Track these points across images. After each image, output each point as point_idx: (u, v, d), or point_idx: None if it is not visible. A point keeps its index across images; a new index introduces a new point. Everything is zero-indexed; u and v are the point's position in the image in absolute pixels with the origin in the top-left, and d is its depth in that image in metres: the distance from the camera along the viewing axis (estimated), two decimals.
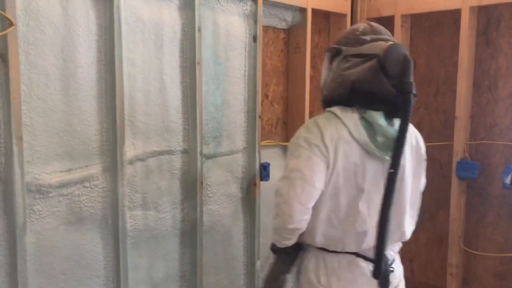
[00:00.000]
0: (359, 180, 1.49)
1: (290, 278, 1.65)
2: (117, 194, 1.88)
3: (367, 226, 1.51)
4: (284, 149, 2.74)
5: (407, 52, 1.51)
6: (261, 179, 2.45)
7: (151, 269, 2.07)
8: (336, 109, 1.52)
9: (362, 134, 1.48)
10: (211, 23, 2.20)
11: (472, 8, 2.51)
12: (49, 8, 1.67)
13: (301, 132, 1.54)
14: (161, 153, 2.06)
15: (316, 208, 1.50)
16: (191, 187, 2.17)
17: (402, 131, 1.43)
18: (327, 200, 1.50)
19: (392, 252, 1.63)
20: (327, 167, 1.46)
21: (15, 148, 1.58)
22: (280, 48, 2.67)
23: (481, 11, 2.57)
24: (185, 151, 2.14)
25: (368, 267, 1.55)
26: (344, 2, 2.84)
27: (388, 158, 1.48)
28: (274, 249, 1.66)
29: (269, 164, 2.47)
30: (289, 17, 2.60)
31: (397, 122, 1.50)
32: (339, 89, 1.52)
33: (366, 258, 1.55)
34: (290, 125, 2.74)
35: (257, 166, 2.43)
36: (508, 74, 2.54)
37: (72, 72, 1.74)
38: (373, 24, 1.60)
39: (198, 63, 2.10)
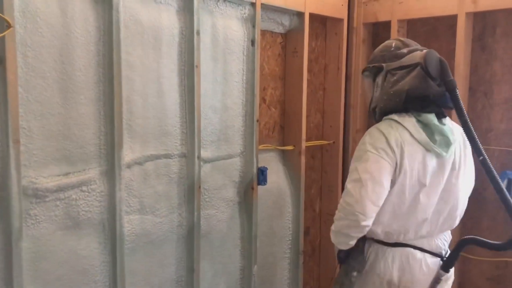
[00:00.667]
0: (421, 176, 1.70)
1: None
2: (114, 198, 1.86)
3: (427, 214, 1.74)
4: (282, 153, 2.74)
5: (440, 56, 1.75)
6: (259, 184, 2.44)
7: (148, 274, 2.05)
8: (394, 116, 1.73)
9: (422, 134, 1.69)
10: (210, 26, 2.19)
11: (468, 14, 2.53)
12: (48, 10, 1.65)
13: (366, 139, 1.72)
14: (158, 157, 2.04)
15: (383, 205, 1.68)
16: (189, 192, 2.15)
17: (464, 121, 1.65)
18: (393, 196, 1.69)
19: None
20: (394, 168, 1.67)
21: (12, 152, 1.56)
22: (278, 52, 2.66)
23: (477, 17, 2.59)
24: (183, 155, 2.13)
25: (424, 257, 1.78)
26: (341, 7, 2.84)
27: (445, 154, 1.71)
28: (340, 256, 1.83)
29: (266, 168, 2.46)
30: (286, 21, 2.60)
31: (446, 121, 1.78)
32: (395, 99, 1.73)
33: (420, 249, 1.78)
34: (287, 129, 2.74)
35: (255, 170, 2.42)
36: (504, 80, 2.56)
37: (70, 75, 1.72)
38: (402, 39, 1.87)
39: (197, 66, 2.09)
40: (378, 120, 1.82)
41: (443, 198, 1.78)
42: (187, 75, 2.10)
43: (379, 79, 1.80)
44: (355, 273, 1.80)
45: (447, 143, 1.72)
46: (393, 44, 1.83)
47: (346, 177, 3.03)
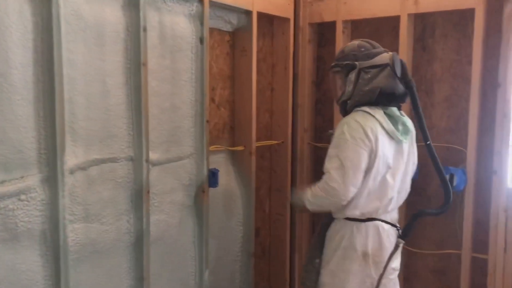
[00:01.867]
0: (389, 160, 1.97)
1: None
2: (57, 206, 1.72)
3: (393, 193, 2.03)
4: (232, 154, 2.69)
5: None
6: (210, 186, 2.38)
7: (95, 286, 1.93)
8: (366, 108, 1.98)
9: (389, 124, 1.96)
10: (157, 23, 2.10)
11: (410, 15, 2.60)
12: None
13: (344, 129, 1.94)
14: (104, 161, 1.92)
15: (360, 189, 1.95)
16: (137, 197, 2.04)
17: (420, 115, 1.95)
18: (370, 180, 1.95)
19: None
20: (370, 155, 1.92)
21: None
22: (226, 51, 2.61)
23: (417, 19, 2.68)
24: (130, 159, 2.02)
25: (389, 228, 2.05)
26: (287, 6, 2.84)
27: (405, 140, 2.03)
28: (298, 204, 2.15)
29: (217, 170, 2.40)
30: (234, 19, 2.55)
31: (403, 113, 2.09)
32: (369, 95, 1.98)
33: (385, 222, 2.05)
34: (237, 129, 2.69)
35: (205, 172, 2.35)
36: (443, 79, 2.67)
37: (5, 74, 1.57)
38: (369, 40, 2.11)
39: (144, 64, 1.99)
40: (349, 111, 2.05)
41: (402, 180, 2.08)
42: (134, 73, 1.99)
43: (352, 76, 2.02)
44: (317, 260, 2.11)
45: (406, 132, 2.05)
46: (362, 45, 2.07)
47: (295, 177, 3.04)
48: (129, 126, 2.01)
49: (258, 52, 2.81)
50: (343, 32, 2.85)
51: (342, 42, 2.84)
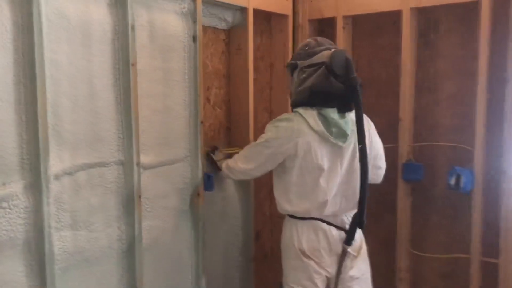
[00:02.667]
0: (320, 161, 1.94)
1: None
2: (42, 214, 1.65)
3: (327, 197, 1.98)
4: (228, 156, 2.59)
5: (347, 54, 1.94)
6: (205, 189, 2.29)
7: None
8: (299, 109, 1.98)
9: (320, 126, 1.92)
10: (146, 21, 2.02)
11: (412, 10, 2.51)
12: None
13: (267, 126, 2.05)
14: (92, 165, 1.84)
15: (287, 185, 2.02)
16: (128, 202, 1.96)
17: (359, 116, 1.85)
18: (294, 178, 1.99)
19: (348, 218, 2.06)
20: (286, 154, 1.97)
21: None
22: (221, 49, 2.53)
23: (420, 13, 2.58)
24: (120, 163, 1.94)
25: (329, 229, 2.02)
26: (286, 2, 2.75)
27: (341, 144, 1.95)
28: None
29: (213, 173, 2.32)
30: (229, 17, 2.47)
31: (348, 115, 1.96)
32: (302, 95, 1.96)
33: (327, 223, 2.02)
34: (234, 130, 2.61)
35: (200, 175, 2.26)
36: (447, 75, 2.56)
37: None
38: (318, 38, 2.08)
39: (133, 64, 1.91)
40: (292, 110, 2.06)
41: (345, 182, 2.01)
42: (123, 74, 1.91)
43: (295, 75, 2.02)
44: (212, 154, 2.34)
45: (343, 134, 1.95)
46: (308, 43, 2.05)
47: None
48: (119, 129, 1.93)
49: (255, 50, 2.72)
50: (344, 28, 2.76)
51: (342, 39, 2.75)
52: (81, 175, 1.81)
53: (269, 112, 2.88)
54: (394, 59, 2.66)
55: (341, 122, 1.95)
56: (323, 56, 1.92)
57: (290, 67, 2.05)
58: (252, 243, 2.65)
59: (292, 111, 2.03)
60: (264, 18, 2.78)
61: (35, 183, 1.64)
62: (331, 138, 1.93)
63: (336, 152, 1.97)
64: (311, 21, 2.89)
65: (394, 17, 2.63)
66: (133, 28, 1.90)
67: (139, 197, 1.98)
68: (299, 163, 1.95)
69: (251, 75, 2.52)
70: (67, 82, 1.73)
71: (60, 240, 1.74)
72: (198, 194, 2.26)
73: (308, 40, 2.08)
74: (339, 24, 2.74)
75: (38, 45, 1.60)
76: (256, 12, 2.59)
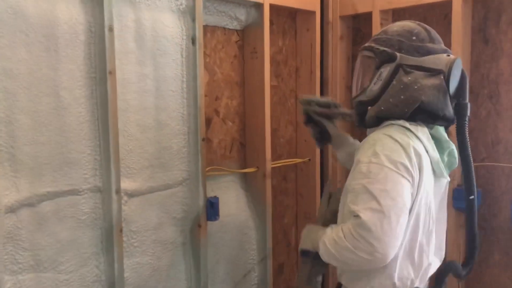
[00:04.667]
0: (433, 208, 1.38)
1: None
2: None
3: (431, 258, 1.42)
4: (243, 177, 2.23)
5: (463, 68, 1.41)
6: (208, 219, 1.94)
7: None
8: (403, 122, 1.35)
9: (435, 152, 1.37)
10: (132, 21, 1.70)
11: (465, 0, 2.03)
12: None
13: (377, 149, 1.30)
14: (59, 194, 1.54)
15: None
16: (107, 236, 1.65)
17: (465, 153, 1.39)
18: (407, 232, 1.32)
19: None
20: (411, 190, 1.30)
21: None
22: (233, 53, 2.17)
23: (477, 3, 2.09)
24: (96, 190, 1.63)
25: None
26: None
27: (449, 179, 1.44)
28: (307, 253, 1.47)
29: (217, 199, 1.96)
30: (242, 15, 2.11)
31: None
32: (402, 107, 1.35)
33: None
34: (249, 147, 2.24)
35: (202, 202, 1.91)
36: None
37: None
38: (428, 28, 1.42)
39: (110, 72, 1.59)
40: (371, 124, 1.41)
41: (441, 233, 1.51)
42: (99, 84, 1.60)
43: (386, 71, 1.38)
44: (320, 278, 1.54)
45: (450, 165, 1.46)
46: (415, 31, 1.39)
47: None
48: (95, 150, 1.62)
49: (277, 53, 2.35)
50: (382, 24, 2.32)
51: None
52: (45, 206, 1.51)
53: (294, 125, 2.49)
54: None
55: (454, 147, 1.45)
56: (442, 61, 1.35)
57: (382, 56, 1.38)
58: (270, 279, 2.25)
59: (383, 124, 1.39)
60: (288, 15, 2.39)
61: None
62: (444, 171, 1.39)
63: (438, 188, 1.43)
64: (343, 18, 2.47)
65: (445, 8, 2.16)
66: (110, 29, 1.58)
67: (120, 230, 1.65)
68: (417, 207, 1.33)
69: (267, 82, 2.15)
70: (25, 96, 1.44)
71: (17, 285, 1.45)
72: (200, 225, 1.91)
73: (414, 25, 1.42)
74: (376, 20, 2.30)
75: None
76: (277, 8, 2.21)
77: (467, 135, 1.39)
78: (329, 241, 1.32)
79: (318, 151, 2.45)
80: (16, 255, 1.45)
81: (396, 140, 1.30)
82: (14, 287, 1.44)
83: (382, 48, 1.39)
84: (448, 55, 1.37)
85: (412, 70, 1.36)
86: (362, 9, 2.37)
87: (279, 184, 2.43)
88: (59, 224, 1.54)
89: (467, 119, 1.38)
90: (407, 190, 1.27)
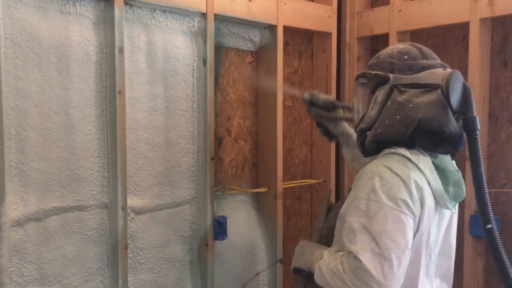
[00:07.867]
0: (431, 237, 1.30)
1: None
2: None
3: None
4: (255, 196, 2.22)
5: (465, 81, 1.34)
6: (216, 238, 1.94)
7: None
8: (402, 151, 1.28)
9: (439, 184, 1.29)
10: (144, 43, 1.76)
11: (483, 21, 1.99)
12: None
13: (375, 184, 1.23)
14: (67, 209, 1.58)
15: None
16: (113, 252, 1.67)
17: (479, 178, 1.27)
18: (407, 269, 1.25)
19: None
20: (414, 225, 1.25)
21: None
22: (247, 74, 2.19)
23: (495, 24, 2.04)
24: (103, 206, 1.66)
25: None
26: (328, 18, 2.36)
27: (454, 211, 1.36)
28: (300, 272, 1.45)
29: (225, 219, 1.96)
30: (256, 36, 2.14)
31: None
32: (399, 127, 1.29)
33: None
34: (261, 166, 2.24)
35: (210, 221, 1.92)
36: None
37: None
38: (419, 46, 1.39)
39: (120, 92, 1.64)
40: (371, 151, 1.36)
41: (439, 265, 1.40)
42: (109, 103, 1.65)
43: (380, 94, 1.35)
44: None
45: (457, 197, 1.36)
46: (407, 50, 1.36)
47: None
48: (103, 167, 1.66)
49: (292, 74, 2.36)
50: None
51: None
52: (52, 220, 1.55)
53: (309, 145, 2.48)
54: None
55: (460, 178, 1.36)
56: (437, 75, 1.30)
57: (374, 80, 1.36)
58: None
59: (382, 153, 1.33)
60: (304, 36, 2.41)
61: None
62: (448, 204, 1.31)
63: (440, 220, 1.35)
64: (360, 39, 2.46)
65: (464, 30, 2.12)
66: (121, 50, 1.64)
67: (125, 247, 1.68)
68: (417, 243, 1.28)
69: (280, 103, 2.15)
70: (36, 114, 1.51)
71: None
72: (207, 244, 1.91)
73: (404, 45, 1.40)
74: (392, 41, 2.28)
75: None
76: (292, 30, 2.23)
77: (480, 150, 1.29)
78: (326, 269, 1.28)
79: (333, 172, 2.42)
80: (22, 268, 1.49)
81: (396, 173, 1.24)
82: None
83: (374, 72, 1.37)
84: (445, 69, 1.33)
85: (407, 89, 1.32)
86: (378, 30, 2.36)
87: (293, 205, 2.41)
88: (65, 239, 1.59)
89: (477, 133, 1.29)
90: (409, 227, 1.22)
